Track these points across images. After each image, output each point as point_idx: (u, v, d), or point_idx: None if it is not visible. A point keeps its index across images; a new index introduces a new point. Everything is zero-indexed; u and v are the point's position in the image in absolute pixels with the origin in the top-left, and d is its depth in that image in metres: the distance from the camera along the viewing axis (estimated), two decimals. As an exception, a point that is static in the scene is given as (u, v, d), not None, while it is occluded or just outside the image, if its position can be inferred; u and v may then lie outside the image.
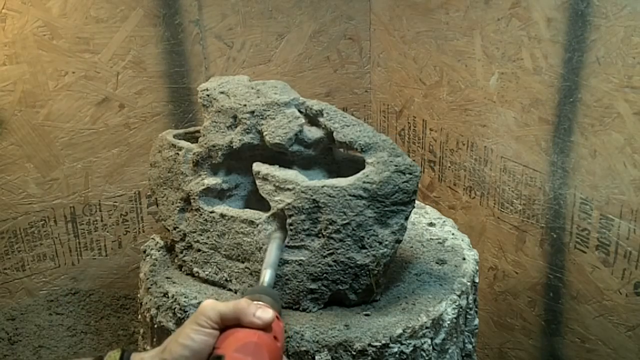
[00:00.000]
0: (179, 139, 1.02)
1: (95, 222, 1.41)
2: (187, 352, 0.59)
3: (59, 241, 1.38)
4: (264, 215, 0.89)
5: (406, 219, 0.86)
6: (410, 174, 0.85)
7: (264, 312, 0.62)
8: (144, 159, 1.41)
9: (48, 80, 1.27)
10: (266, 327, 0.62)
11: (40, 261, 1.36)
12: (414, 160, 0.88)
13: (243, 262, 0.91)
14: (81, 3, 1.26)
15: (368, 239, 0.84)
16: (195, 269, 0.97)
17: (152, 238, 1.10)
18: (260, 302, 0.67)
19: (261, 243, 0.88)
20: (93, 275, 1.44)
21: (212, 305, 0.62)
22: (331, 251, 0.85)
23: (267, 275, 0.77)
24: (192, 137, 1.06)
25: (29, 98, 1.26)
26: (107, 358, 0.59)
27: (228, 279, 0.93)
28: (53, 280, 1.39)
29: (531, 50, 1.18)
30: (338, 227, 0.84)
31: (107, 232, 1.43)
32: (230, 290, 0.93)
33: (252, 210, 0.92)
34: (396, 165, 0.84)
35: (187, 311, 0.89)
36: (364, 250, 0.85)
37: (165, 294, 0.93)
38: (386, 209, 0.84)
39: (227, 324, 0.62)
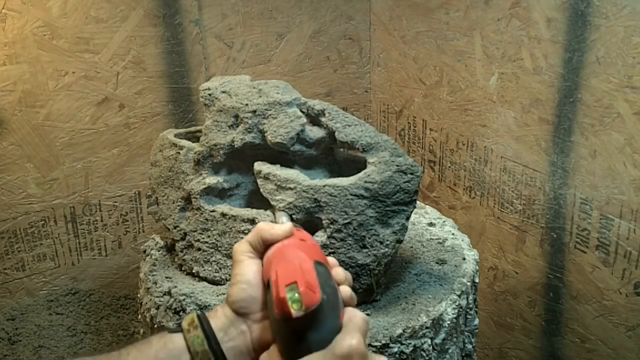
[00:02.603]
0: (180, 139, 1.02)
1: (95, 222, 1.41)
2: (245, 286, 0.63)
3: (59, 241, 1.38)
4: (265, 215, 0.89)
5: (407, 218, 0.86)
6: (411, 174, 0.85)
7: (280, 225, 0.67)
8: (144, 159, 1.41)
9: (48, 80, 1.27)
10: (288, 235, 0.66)
11: (40, 261, 1.36)
12: (414, 160, 0.88)
13: (244, 262, 0.91)
14: (81, 3, 1.26)
15: (369, 238, 0.84)
16: (195, 268, 0.97)
17: (152, 238, 1.09)
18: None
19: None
20: (93, 275, 1.44)
21: (240, 242, 0.67)
22: (332, 250, 0.85)
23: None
24: (193, 137, 1.06)
25: (29, 98, 1.26)
26: (184, 321, 0.62)
27: (228, 279, 0.93)
28: (53, 280, 1.39)
29: (531, 50, 1.18)
30: (339, 226, 0.84)
31: (107, 232, 1.43)
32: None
33: (253, 210, 0.92)
34: (398, 165, 0.84)
35: (187, 311, 0.88)
36: (365, 250, 0.85)
37: (165, 294, 0.93)
38: (387, 208, 0.84)
39: (259, 250, 0.66)
